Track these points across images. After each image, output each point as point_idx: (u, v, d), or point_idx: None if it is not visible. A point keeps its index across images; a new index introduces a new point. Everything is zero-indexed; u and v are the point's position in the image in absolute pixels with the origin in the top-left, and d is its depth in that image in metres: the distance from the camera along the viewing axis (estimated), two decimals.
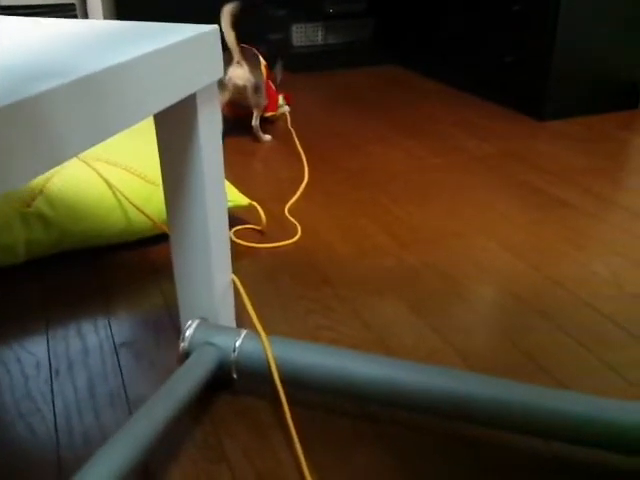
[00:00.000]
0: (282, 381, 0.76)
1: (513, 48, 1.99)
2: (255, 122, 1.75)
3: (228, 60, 1.64)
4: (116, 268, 1.14)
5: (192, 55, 0.68)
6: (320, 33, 2.69)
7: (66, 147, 0.51)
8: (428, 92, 2.26)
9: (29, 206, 1.08)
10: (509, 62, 2.01)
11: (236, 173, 1.56)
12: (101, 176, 1.13)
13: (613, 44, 1.90)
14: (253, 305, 0.85)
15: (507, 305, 1.03)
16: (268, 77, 1.80)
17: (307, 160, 1.62)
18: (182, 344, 0.81)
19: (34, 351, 0.93)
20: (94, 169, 1.13)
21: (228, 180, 1.30)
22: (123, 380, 0.87)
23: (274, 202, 1.39)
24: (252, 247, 1.21)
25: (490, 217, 1.33)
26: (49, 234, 1.09)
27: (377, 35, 2.78)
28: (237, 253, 1.18)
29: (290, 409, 0.76)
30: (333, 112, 2.06)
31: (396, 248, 1.21)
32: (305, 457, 0.73)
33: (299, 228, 1.28)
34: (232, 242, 1.21)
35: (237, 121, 1.84)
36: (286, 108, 1.97)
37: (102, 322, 0.99)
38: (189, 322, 0.82)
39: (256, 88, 1.70)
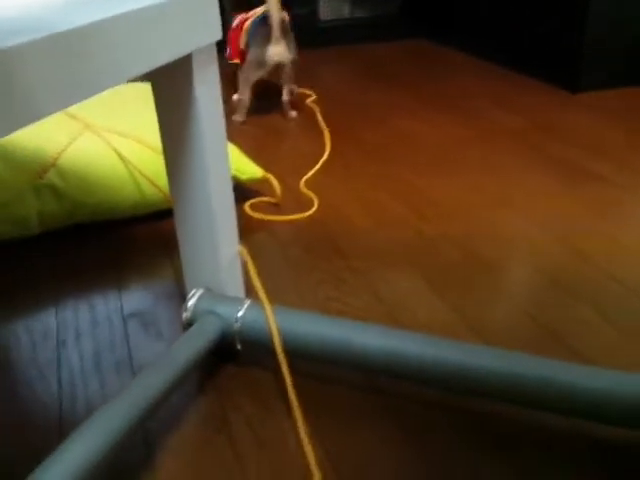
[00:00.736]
0: (285, 351, 0.74)
1: (545, 18, 1.90)
2: (286, 97, 1.72)
3: (267, 36, 1.60)
4: (128, 241, 1.13)
5: (186, 13, 0.66)
6: (347, 7, 2.63)
7: (44, 103, 0.50)
8: (456, 65, 2.20)
9: (41, 178, 1.07)
10: (541, 33, 1.92)
11: (256, 147, 1.53)
12: (114, 149, 1.12)
13: None
14: (260, 276, 0.83)
15: (530, 280, 0.98)
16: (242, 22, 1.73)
17: (330, 134, 1.59)
18: (185, 314, 0.79)
19: (44, 320, 0.93)
20: (107, 141, 1.12)
21: (247, 154, 1.28)
22: (129, 349, 0.86)
23: (293, 175, 1.36)
24: (267, 220, 1.19)
25: (518, 191, 1.27)
26: (61, 206, 1.09)
27: (404, 8, 2.71)
28: (251, 226, 1.16)
29: (296, 381, 0.74)
30: (359, 86, 2.01)
31: (416, 221, 1.17)
32: (310, 429, 0.71)
33: (316, 201, 1.25)
34: (246, 215, 1.20)
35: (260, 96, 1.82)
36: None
37: (112, 294, 0.99)
38: (192, 292, 0.81)
39: (293, 63, 1.67)
